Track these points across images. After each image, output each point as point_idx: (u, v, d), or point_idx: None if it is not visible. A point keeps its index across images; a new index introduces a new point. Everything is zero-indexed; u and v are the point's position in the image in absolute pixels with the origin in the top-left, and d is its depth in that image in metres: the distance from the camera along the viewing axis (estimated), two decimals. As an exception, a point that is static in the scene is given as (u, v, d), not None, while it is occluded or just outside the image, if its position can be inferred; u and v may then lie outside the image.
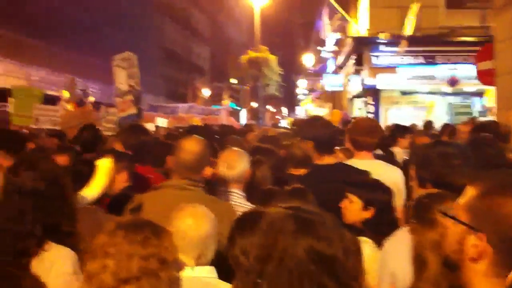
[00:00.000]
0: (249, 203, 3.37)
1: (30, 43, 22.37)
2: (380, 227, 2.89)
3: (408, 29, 15.08)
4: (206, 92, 48.98)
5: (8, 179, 2.43)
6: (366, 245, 2.78)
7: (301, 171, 4.47)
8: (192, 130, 8.59)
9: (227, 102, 39.25)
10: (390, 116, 16.30)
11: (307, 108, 39.04)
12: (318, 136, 3.81)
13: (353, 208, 3.06)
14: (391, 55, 16.54)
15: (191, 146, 3.14)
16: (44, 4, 22.36)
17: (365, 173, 3.36)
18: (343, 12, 19.94)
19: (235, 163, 3.40)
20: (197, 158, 3.11)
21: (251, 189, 3.52)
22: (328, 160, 3.78)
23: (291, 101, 62.15)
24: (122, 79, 11.70)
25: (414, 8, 14.93)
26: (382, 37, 16.13)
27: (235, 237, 1.76)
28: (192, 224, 2.42)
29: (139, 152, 5.09)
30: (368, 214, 3.04)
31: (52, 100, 13.13)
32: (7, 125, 10.46)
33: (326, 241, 1.52)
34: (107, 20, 28.88)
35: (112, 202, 3.68)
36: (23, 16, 20.83)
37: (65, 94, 16.75)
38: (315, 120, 4.19)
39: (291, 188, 3.15)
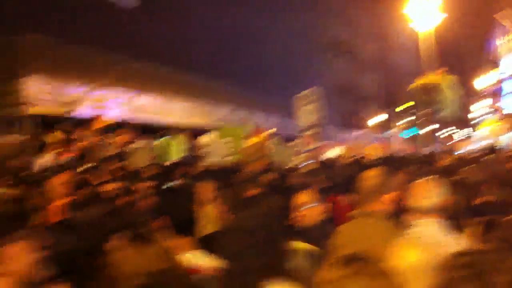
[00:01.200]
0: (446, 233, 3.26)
1: (210, 84, 24.63)
2: None
3: None
4: (376, 120, 48.87)
5: (228, 219, 2.71)
6: None
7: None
8: (382, 160, 8.76)
9: (398, 128, 38.74)
10: None
11: (485, 131, 36.96)
12: None
13: None
14: None
15: (371, 175, 3.38)
16: (223, 49, 24.53)
17: None
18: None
19: (429, 193, 3.23)
20: (375, 186, 3.30)
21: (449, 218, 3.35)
22: None
23: (465, 124, 59.06)
24: (305, 116, 12.69)
25: None
26: None
27: None
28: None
29: (332, 183, 5.86)
30: None
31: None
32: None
33: None
34: (281, 59, 30.68)
35: (313, 232, 3.96)
36: (205, 59, 22.95)
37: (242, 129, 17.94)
38: None
39: None
